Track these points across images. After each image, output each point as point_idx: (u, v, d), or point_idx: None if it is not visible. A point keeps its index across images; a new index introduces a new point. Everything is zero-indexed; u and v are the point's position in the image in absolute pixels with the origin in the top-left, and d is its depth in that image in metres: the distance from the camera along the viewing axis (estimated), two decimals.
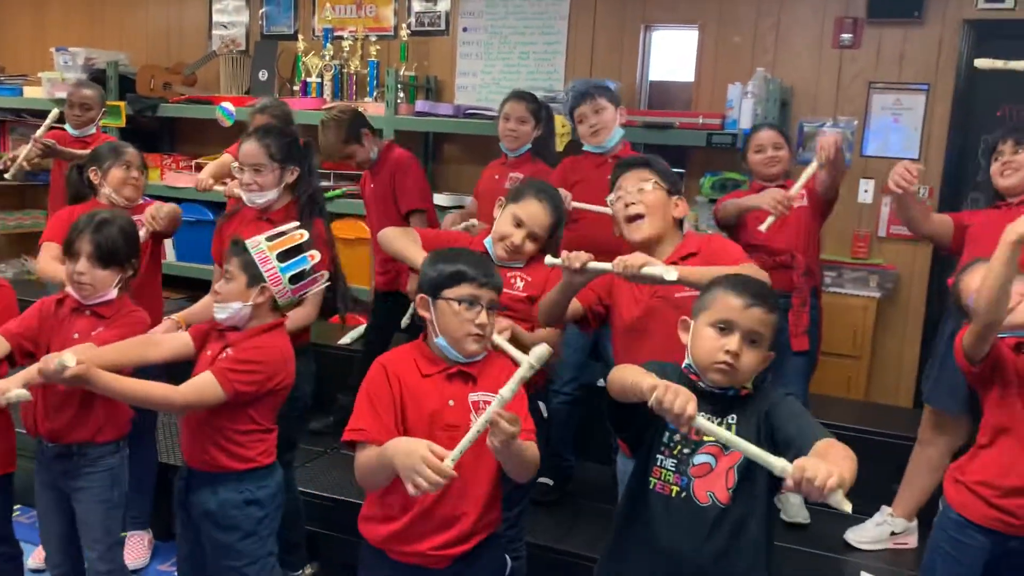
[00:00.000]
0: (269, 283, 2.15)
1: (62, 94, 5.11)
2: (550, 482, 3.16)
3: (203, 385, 2.06)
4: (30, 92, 5.43)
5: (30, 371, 2.13)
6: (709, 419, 1.62)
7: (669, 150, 4.01)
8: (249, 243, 2.16)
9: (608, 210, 2.68)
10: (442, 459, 1.61)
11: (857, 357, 3.86)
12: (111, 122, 4.87)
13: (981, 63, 2.63)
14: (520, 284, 2.36)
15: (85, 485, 2.35)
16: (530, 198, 2.38)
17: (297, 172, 2.71)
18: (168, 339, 2.29)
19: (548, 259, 2.17)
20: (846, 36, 4.05)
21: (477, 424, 1.63)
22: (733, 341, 1.70)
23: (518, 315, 2.30)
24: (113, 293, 2.35)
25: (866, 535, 2.91)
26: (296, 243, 2.19)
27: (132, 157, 2.99)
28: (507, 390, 1.61)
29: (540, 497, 3.08)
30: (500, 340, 2.02)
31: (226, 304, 2.14)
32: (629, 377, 1.66)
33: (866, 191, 4.08)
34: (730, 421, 1.73)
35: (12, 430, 2.47)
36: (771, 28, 4.18)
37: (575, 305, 2.27)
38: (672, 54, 4.54)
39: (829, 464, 1.45)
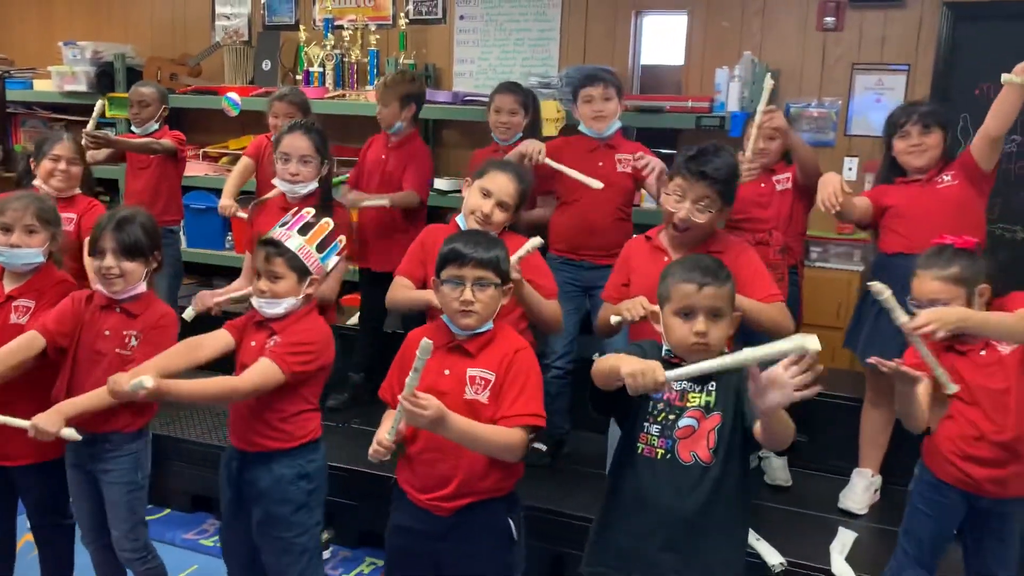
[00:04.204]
0: (315, 274, 2.32)
1: (72, 87, 5.29)
2: (543, 447, 3.36)
3: (264, 370, 2.20)
4: (40, 85, 5.57)
5: (95, 396, 2.31)
6: (677, 370, 1.76)
7: (660, 132, 4.18)
8: (288, 244, 2.27)
9: (584, 178, 2.95)
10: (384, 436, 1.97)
11: (840, 328, 4.02)
12: (118, 113, 5.01)
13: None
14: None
15: (110, 468, 2.47)
16: (495, 170, 2.59)
17: (328, 167, 2.91)
18: (209, 339, 2.34)
19: (612, 318, 2.33)
20: (829, 19, 4.19)
21: (397, 412, 1.93)
22: (699, 323, 1.88)
23: None
24: (142, 287, 2.45)
25: (863, 499, 3.03)
26: (326, 231, 2.35)
27: (62, 149, 3.10)
28: (410, 377, 1.88)
29: (534, 461, 3.29)
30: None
31: (278, 301, 2.27)
32: (608, 365, 1.85)
33: (850, 169, 4.24)
34: (710, 388, 1.93)
35: None
36: (757, 12, 4.33)
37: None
38: (663, 39, 4.68)
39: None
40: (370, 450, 1.99)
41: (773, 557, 2.67)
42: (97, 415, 2.39)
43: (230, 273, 4.55)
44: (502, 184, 2.55)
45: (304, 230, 2.32)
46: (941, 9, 3.99)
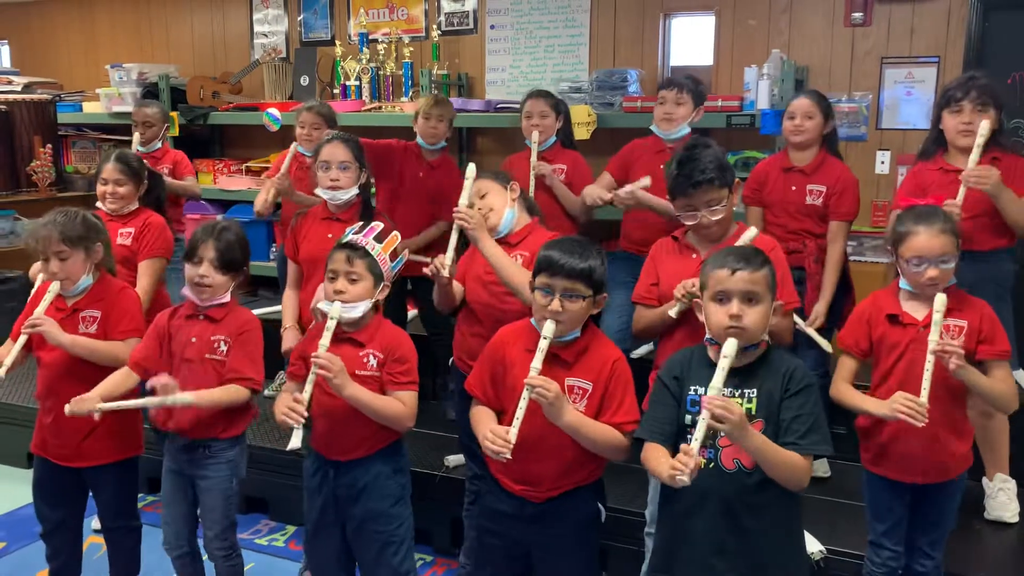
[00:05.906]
0: (387, 281, 2.40)
1: (119, 108, 5.49)
2: None
3: (408, 400, 2.33)
4: (89, 108, 5.78)
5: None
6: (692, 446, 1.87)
7: (692, 132, 4.22)
8: (368, 248, 2.35)
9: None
10: (504, 435, 2.03)
11: None
12: None
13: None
14: (519, 261, 2.58)
15: (208, 475, 2.57)
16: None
17: (367, 175, 3.02)
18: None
19: (671, 311, 2.36)
20: (857, 15, 4.22)
21: (521, 402, 2.01)
22: (733, 306, 1.95)
23: None
24: (227, 297, 2.56)
25: (1013, 506, 2.95)
26: (396, 243, 2.43)
27: (107, 172, 3.22)
28: (536, 359, 2.02)
29: None
30: None
31: (356, 304, 2.32)
32: (655, 465, 1.97)
33: (883, 162, 4.25)
34: (751, 395, 1.96)
35: (140, 419, 2.73)
36: (784, 10, 4.37)
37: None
38: (691, 40, 4.73)
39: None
40: (492, 448, 2.02)
41: (813, 545, 2.71)
42: (197, 422, 2.51)
43: (274, 284, 4.70)
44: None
45: (379, 238, 2.39)
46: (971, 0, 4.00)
